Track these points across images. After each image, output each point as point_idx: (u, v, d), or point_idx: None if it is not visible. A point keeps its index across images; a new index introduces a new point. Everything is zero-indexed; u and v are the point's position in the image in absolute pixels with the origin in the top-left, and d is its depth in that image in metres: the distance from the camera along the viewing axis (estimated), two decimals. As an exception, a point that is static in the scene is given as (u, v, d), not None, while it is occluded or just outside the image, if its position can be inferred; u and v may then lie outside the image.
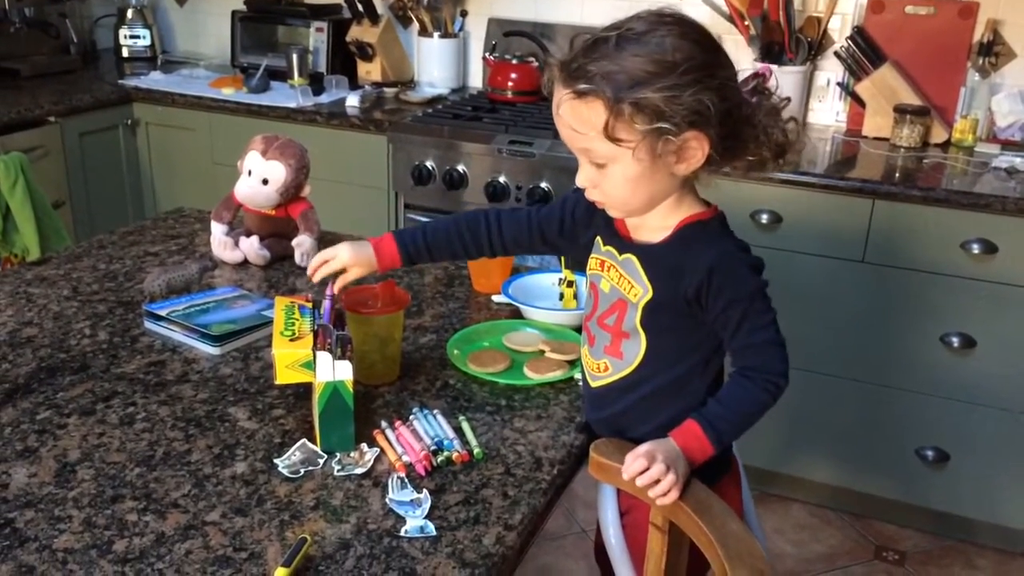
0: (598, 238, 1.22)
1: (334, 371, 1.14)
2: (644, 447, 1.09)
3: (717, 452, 1.11)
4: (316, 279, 1.34)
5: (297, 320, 1.24)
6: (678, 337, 1.15)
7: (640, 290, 1.14)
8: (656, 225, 1.14)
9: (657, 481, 1.06)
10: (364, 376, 1.31)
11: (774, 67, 2.63)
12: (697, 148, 1.04)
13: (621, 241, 1.18)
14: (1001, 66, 2.55)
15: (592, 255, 1.23)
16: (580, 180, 1.11)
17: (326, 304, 1.27)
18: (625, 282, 1.16)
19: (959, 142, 2.51)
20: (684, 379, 1.18)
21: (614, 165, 1.06)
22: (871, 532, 2.51)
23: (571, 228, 1.27)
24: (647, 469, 1.06)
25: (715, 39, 1.06)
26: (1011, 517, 2.36)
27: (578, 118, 1.05)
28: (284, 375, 1.19)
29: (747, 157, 1.10)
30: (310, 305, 1.29)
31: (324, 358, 1.15)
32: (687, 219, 1.13)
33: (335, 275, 1.32)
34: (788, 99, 1.12)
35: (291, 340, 1.19)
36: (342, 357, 1.15)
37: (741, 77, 1.09)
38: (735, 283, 1.11)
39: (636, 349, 1.17)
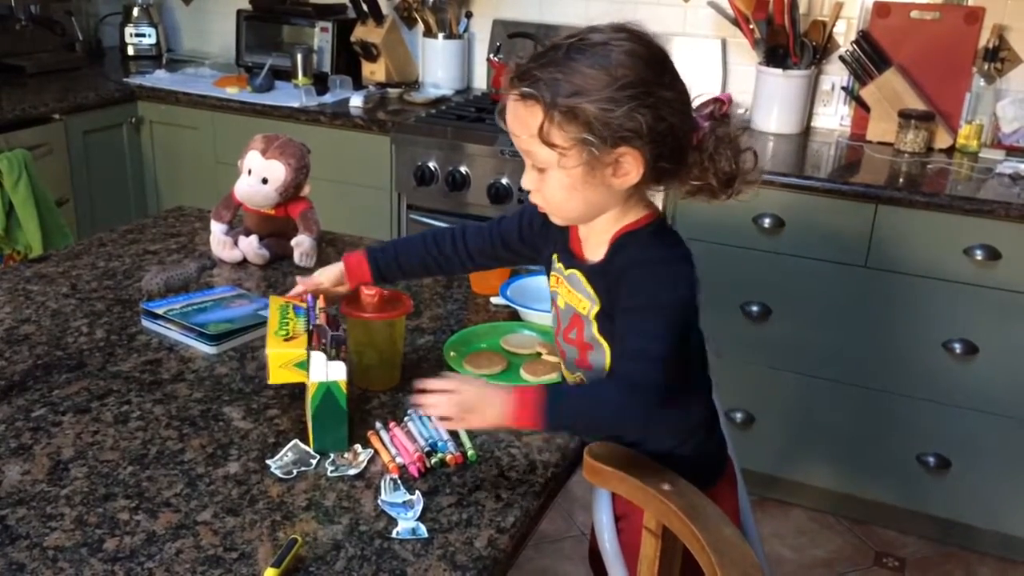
0: (555, 255, 1.23)
1: (327, 371, 1.14)
2: (470, 387, 1.08)
3: (545, 429, 1.10)
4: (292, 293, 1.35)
5: (291, 320, 1.24)
6: None
7: (588, 303, 1.16)
8: (600, 240, 1.15)
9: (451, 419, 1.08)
10: (363, 381, 1.31)
11: (779, 71, 2.62)
12: (631, 164, 1.05)
13: (570, 257, 1.19)
14: (1006, 72, 2.54)
15: (551, 272, 1.24)
16: (524, 182, 1.13)
17: (309, 304, 1.27)
18: (574, 297, 1.18)
19: (963, 147, 2.50)
20: None
21: (552, 170, 1.07)
22: (871, 538, 2.50)
23: (530, 237, 1.28)
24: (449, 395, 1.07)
25: (666, 59, 1.07)
26: (1013, 525, 2.34)
27: (517, 119, 1.07)
28: (277, 375, 1.19)
29: (691, 181, 1.10)
30: (305, 305, 1.29)
31: (318, 358, 1.14)
32: (621, 230, 1.13)
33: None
34: (746, 128, 1.11)
35: (285, 340, 1.19)
36: (336, 358, 1.15)
37: (701, 101, 1.10)
38: (640, 291, 1.10)
39: (602, 359, 1.17)
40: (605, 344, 1.16)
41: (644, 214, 1.13)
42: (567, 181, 1.07)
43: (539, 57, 1.05)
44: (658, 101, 1.02)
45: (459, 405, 1.07)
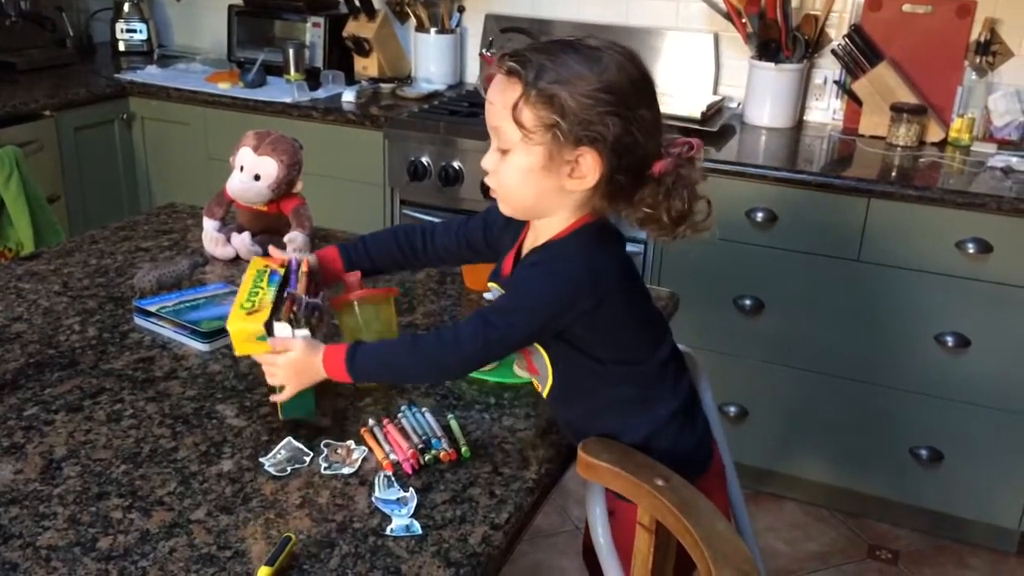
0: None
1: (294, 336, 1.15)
2: (292, 353, 1.15)
3: (352, 378, 1.15)
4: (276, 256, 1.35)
5: (261, 290, 1.22)
6: (564, 346, 1.15)
7: None
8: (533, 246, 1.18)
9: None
10: None
11: (771, 65, 2.62)
12: (590, 168, 1.07)
13: (497, 275, 1.23)
14: (998, 65, 2.54)
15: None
16: (484, 161, 1.15)
17: (292, 267, 1.27)
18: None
19: (955, 141, 2.50)
20: (597, 384, 1.18)
21: (513, 154, 1.09)
22: (865, 531, 2.51)
23: (494, 237, 1.30)
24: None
25: (650, 86, 1.09)
26: (1004, 517, 2.36)
27: (497, 90, 1.09)
28: (241, 347, 1.19)
29: (643, 208, 1.10)
30: (281, 271, 1.27)
31: (282, 329, 1.15)
32: (551, 239, 1.15)
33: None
34: (705, 177, 1.13)
35: (248, 314, 1.17)
36: (306, 325, 1.15)
37: (674, 139, 1.12)
38: (518, 276, 1.16)
39: (543, 362, 1.19)
40: (541, 349, 1.18)
41: (577, 218, 1.14)
42: (524, 166, 1.09)
43: (536, 45, 1.10)
44: (632, 116, 1.05)
45: (287, 369, 1.15)
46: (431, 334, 1.13)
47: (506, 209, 1.17)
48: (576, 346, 1.15)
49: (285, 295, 1.21)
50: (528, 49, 1.08)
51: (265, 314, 1.17)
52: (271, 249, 1.34)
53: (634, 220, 1.13)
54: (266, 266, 1.28)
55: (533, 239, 1.18)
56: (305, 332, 1.16)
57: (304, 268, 1.27)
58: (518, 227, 1.22)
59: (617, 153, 1.05)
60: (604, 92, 1.03)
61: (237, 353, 1.20)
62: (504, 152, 1.11)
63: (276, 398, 1.19)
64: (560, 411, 1.24)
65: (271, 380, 1.18)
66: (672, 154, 1.10)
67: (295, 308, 1.17)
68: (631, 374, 1.18)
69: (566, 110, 1.03)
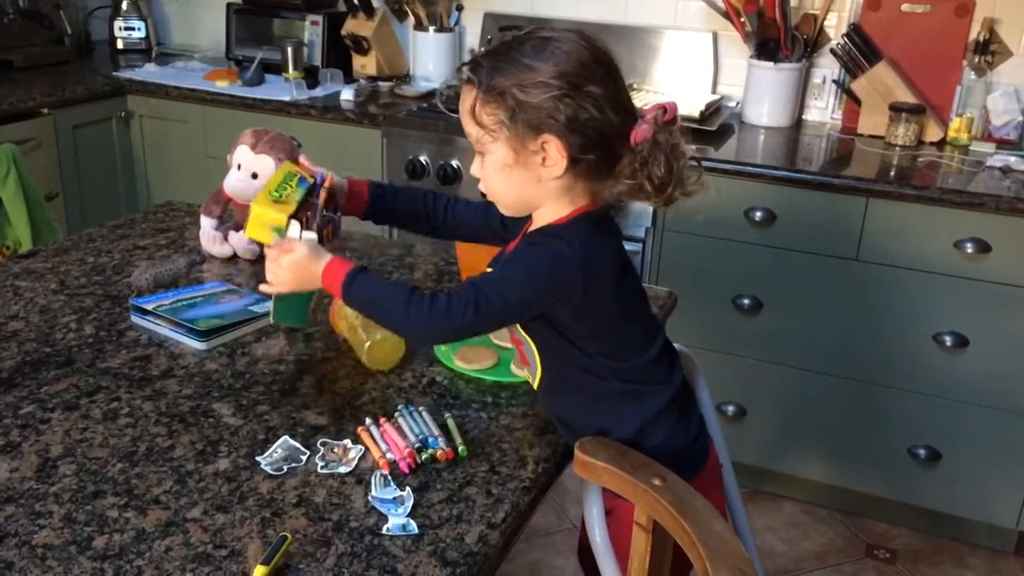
0: None
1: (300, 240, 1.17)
2: (291, 256, 1.16)
3: (343, 298, 1.16)
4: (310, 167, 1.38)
5: (290, 188, 1.23)
6: (551, 335, 1.17)
7: None
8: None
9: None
10: (374, 359, 1.33)
11: (770, 64, 2.62)
12: (557, 153, 1.09)
13: (495, 261, 1.24)
14: (997, 65, 2.54)
15: None
16: (471, 169, 1.19)
17: (318, 179, 1.28)
18: None
19: (954, 141, 2.50)
20: (585, 376, 1.18)
21: (488, 155, 1.14)
22: (863, 530, 2.51)
23: (511, 221, 1.30)
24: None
25: (606, 62, 1.11)
26: (1002, 516, 2.36)
27: (461, 99, 1.15)
28: (254, 231, 1.20)
29: (624, 180, 1.12)
30: (312, 180, 1.28)
31: (295, 228, 1.17)
32: (543, 227, 1.17)
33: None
34: (687, 142, 1.14)
35: (275, 202, 1.19)
36: (320, 237, 1.18)
37: (648, 106, 1.13)
38: (518, 253, 1.18)
39: (533, 353, 1.20)
40: (530, 340, 1.19)
41: (573, 208, 1.16)
42: (498, 164, 1.13)
43: (488, 48, 1.15)
44: (582, 95, 1.07)
45: (288, 270, 1.16)
46: (427, 296, 1.13)
47: (502, 209, 1.21)
48: (563, 335, 1.15)
49: (306, 200, 1.23)
50: (481, 55, 1.14)
51: (291, 209, 1.19)
52: (302, 158, 1.37)
53: (622, 193, 1.14)
54: (296, 171, 1.30)
55: (531, 227, 1.21)
56: (311, 235, 1.17)
57: (328, 183, 1.29)
58: (525, 221, 1.24)
59: (576, 133, 1.08)
60: (553, 78, 1.07)
61: (247, 236, 1.23)
62: (482, 155, 1.15)
63: (266, 288, 1.20)
64: (549, 403, 1.24)
65: (270, 278, 1.19)
66: (647, 122, 1.10)
67: (309, 214, 1.18)
68: (619, 369, 1.18)
69: (518, 102, 1.08)
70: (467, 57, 3.11)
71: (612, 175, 1.13)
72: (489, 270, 1.27)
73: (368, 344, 1.33)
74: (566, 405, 1.22)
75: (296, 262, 1.16)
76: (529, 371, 1.24)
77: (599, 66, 1.10)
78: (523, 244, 1.19)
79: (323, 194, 1.26)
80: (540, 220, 1.18)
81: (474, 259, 1.62)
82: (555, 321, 1.15)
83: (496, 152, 1.12)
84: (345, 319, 1.37)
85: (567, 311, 1.13)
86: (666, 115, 1.11)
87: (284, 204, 1.19)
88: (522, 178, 1.13)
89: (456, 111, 1.18)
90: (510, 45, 1.11)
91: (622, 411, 1.19)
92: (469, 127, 1.14)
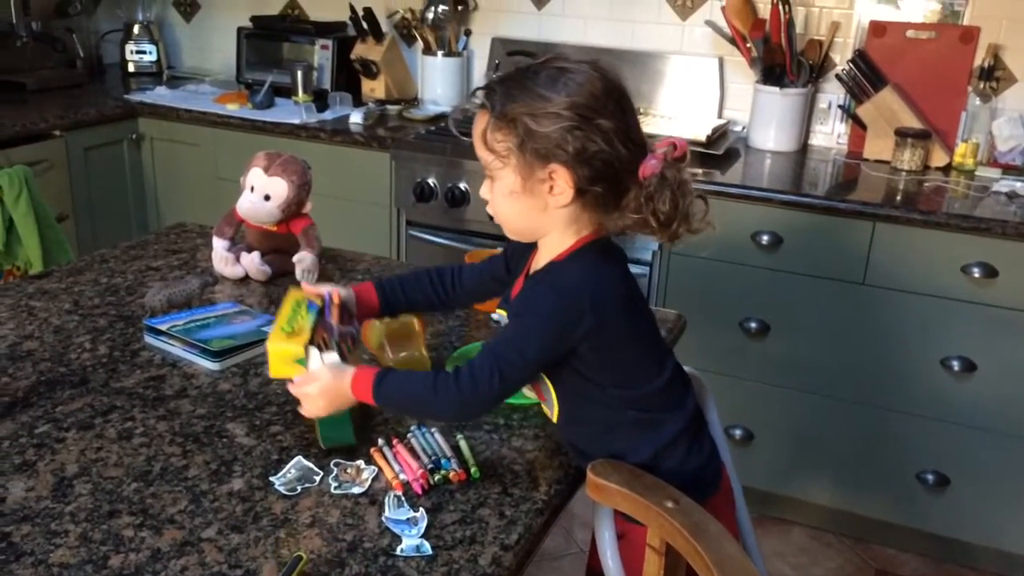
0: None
1: (323, 364, 1.16)
2: (321, 379, 1.17)
3: (375, 403, 1.16)
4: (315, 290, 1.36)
5: (301, 317, 1.24)
6: (565, 371, 1.16)
7: None
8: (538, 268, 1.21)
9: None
10: None
11: (775, 89, 2.64)
12: (564, 182, 1.11)
13: (506, 299, 1.25)
14: (1002, 91, 2.56)
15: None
16: (481, 191, 1.21)
17: (326, 298, 1.29)
18: None
19: (960, 166, 2.52)
20: (601, 410, 1.18)
21: (497, 180, 1.15)
22: (871, 556, 2.50)
23: (515, 266, 1.32)
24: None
25: (618, 95, 1.12)
26: (1012, 542, 2.35)
27: (475, 123, 1.16)
28: (277, 369, 1.20)
29: (630, 214, 1.13)
30: (319, 303, 1.30)
31: (315, 354, 1.17)
32: (554, 259, 1.17)
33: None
34: (694, 177, 1.14)
35: (288, 336, 1.19)
36: (341, 353, 1.18)
37: (659, 140, 1.14)
38: (519, 301, 1.19)
39: (548, 389, 1.20)
40: (545, 376, 1.19)
41: (577, 239, 1.16)
42: (506, 189, 1.14)
43: (503, 75, 1.16)
44: (592, 127, 1.08)
45: (320, 397, 1.16)
46: (450, 373, 1.13)
47: (508, 233, 1.22)
48: (581, 373, 1.15)
49: (317, 323, 1.23)
50: (495, 80, 1.15)
51: (305, 337, 1.19)
52: (304, 285, 1.36)
53: (628, 227, 1.15)
54: (303, 298, 1.31)
55: (537, 263, 1.21)
56: (333, 355, 1.17)
57: (336, 300, 1.29)
58: (529, 254, 1.24)
59: (584, 164, 1.09)
60: (564, 109, 1.08)
61: (272, 375, 1.22)
62: (492, 179, 1.16)
63: (307, 413, 1.19)
64: (564, 432, 1.25)
65: (305, 410, 1.18)
66: (657, 157, 1.11)
67: (325, 335, 1.19)
68: (634, 398, 1.19)
69: (529, 131, 1.09)
70: (477, 81, 3.16)
71: (618, 207, 1.13)
72: (500, 312, 1.28)
73: (393, 363, 1.34)
74: (581, 435, 1.21)
75: (324, 388, 1.16)
76: (546, 406, 1.24)
77: (611, 99, 1.11)
78: (529, 287, 1.19)
79: (335, 312, 1.27)
80: (545, 249, 1.19)
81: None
82: (574, 360, 1.14)
83: (505, 178, 1.14)
84: (374, 332, 1.39)
85: (584, 347, 1.12)
86: (675, 151, 1.12)
87: (298, 335, 1.20)
88: (529, 205, 1.14)
89: (469, 134, 1.19)
90: (525, 73, 1.13)
91: (638, 438, 1.19)
92: (480, 151, 1.15)
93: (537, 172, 1.11)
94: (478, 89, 1.15)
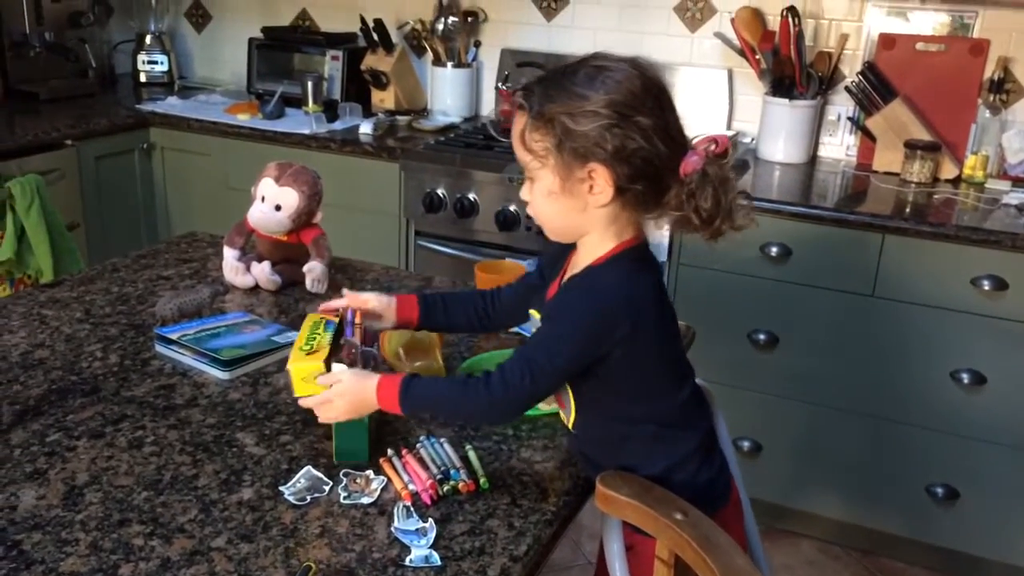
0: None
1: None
2: (345, 384, 1.16)
3: (403, 410, 1.16)
4: (331, 305, 1.36)
5: (319, 335, 1.25)
6: (589, 381, 1.16)
7: None
8: (577, 270, 1.19)
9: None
10: None
11: (785, 101, 2.64)
12: (604, 181, 1.10)
13: (540, 301, 1.25)
14: (1012, 103, 2.56)
15: None
16: (521, 193, 1.20)
17: (348, 318, 1.29)
18: None
19: (969, 178, 2.51)
20: (620, 422, 1.18)
21: (536, 181, 1.14)
22: (880, 569, 2.49)
23: (549, 271, 1.30)
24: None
25: (658, 92, 1.11)
26: (1021, 556, 2.33)
27: (513, 124, 1.15)
28: (300, 388, 1.20)
29: (671, 211, 1.12)
30: (336, 320, 1.30)
31: (339, 368, 1.17)
32: (593, 263, 1.16)
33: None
34: (735, 174, 1.14)
35: (308, 354, 1.20)
36: (353, 366, 1.18)
37: (699, 138, 1.13)
38: (554, 304, 1.18)
39: (568, 397, 1.20)
40: (567, 385, 1.18)
41: (617, 243, 1.15)
42: (545, 190, 1.13)
43: (542, 75, 1.15)
44: (631, 125, 1.07)
45: (340, 400, 1.16)
46: (481, 377, 1.13)
47: (549, 234, 1.21)
48: (604, 382, 1.15)
49: (342, 342, 1.23)
50: (534, 80, 1.14)
51: (324, 354, 1.19)
52: (321, 306, 1.36)
53: (669, 224, 1.15)
54: (321, 318, 1.31)
55: (574, 266, 1.20)
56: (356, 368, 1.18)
57: (358, 320, 1.29)
58: (564, 258, 1.24)
59: (623, 162, 1.08)
60: (603, 107, 1.07)
61: (296, 395, 1.21)
62: (531, 181, 1.15)
63: (323, 418, 1.18)
64: (578, 441, 1.24)
65: (326, 417, 1.18)
66: (698, 153, 1.11)
67: (353, 352, 1.19)
68: (653, 412, 1.18)
69: (567, 130, 1.08)
70: (486, 93, 3.17)
71: (659, 205, 1.12)
72: (533, 314, 1.28)
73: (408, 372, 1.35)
74: (595, 445, 1.21)
75: (346, 389, 1.16)
76: (564, 413, 1.23)
77: (649, 96, 1.09)
78: (564, 290, 1.18)
79: (357, 332, 1.26)
80: (584, 250, 1.18)
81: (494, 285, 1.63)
82: (600, 368, 1.13)
83: (544, 178, 1.12)
84: (390, 343, 1.39)
85: (615, 354, 1.11)
86: (716, 147, 1.11)
87: (317, 352, 1.20)
88: (568, 205, 1.13)
89: (507, 136, 1.19)
90: (563, 72, 1.12)
91: (652, 452, 1.19)
92: (519, 152, 1.14)
93: (576, 172, 1.09)
94: (517, 89, 1.14)
